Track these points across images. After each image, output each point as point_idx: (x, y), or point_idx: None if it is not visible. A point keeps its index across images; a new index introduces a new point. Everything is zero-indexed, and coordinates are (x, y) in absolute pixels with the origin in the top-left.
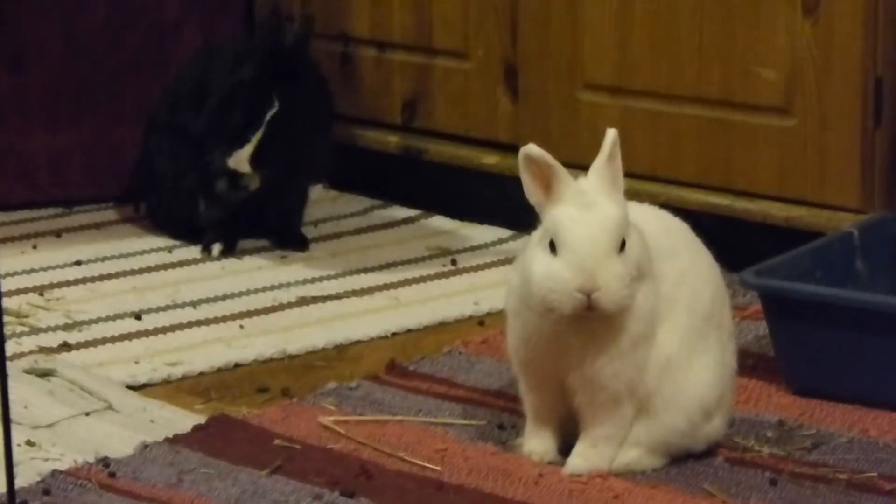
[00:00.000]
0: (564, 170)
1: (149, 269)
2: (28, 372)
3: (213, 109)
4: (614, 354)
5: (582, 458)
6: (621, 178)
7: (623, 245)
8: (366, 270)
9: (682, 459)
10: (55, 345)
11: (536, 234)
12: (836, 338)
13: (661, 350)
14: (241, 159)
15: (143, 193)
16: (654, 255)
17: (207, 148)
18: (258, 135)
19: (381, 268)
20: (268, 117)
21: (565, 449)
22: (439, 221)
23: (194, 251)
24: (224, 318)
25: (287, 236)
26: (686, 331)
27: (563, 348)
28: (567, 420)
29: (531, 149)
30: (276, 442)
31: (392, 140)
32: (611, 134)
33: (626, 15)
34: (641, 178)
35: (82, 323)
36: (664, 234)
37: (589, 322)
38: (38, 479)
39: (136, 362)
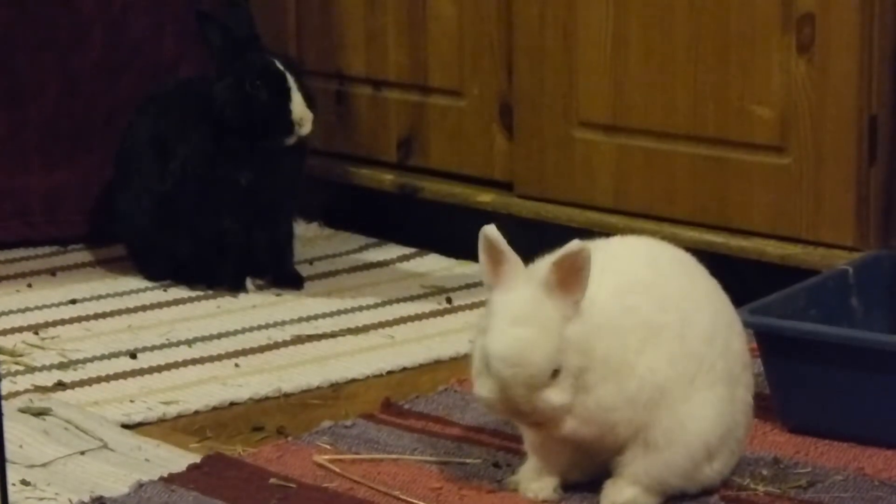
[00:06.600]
0: (517, 258)
1: (143, 308)
2: (23, 411)
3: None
4: (581, 416)
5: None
6: (583, 285)
7: (557, 371)
8: (361, 309)
9: (678, 498)
10: (50, 384)
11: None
12: (831, 376)
13: (650, 379)
14: (298, 104)
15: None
16: (626, 289)
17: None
18: (283, 69)
19: (376, 306)
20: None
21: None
22: (434, 260)
23: (189, 290)
24: (219, 357)
25: (282, 275)
26: (679, 358)
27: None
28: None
29: (488, 230)
30: (272, 481)
31: (387, 178)
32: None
33: (621, 53)
34: (636, 216)
35: (77, 362)
36: (645, 266)
37: None
38: None
39: (131, 401)
